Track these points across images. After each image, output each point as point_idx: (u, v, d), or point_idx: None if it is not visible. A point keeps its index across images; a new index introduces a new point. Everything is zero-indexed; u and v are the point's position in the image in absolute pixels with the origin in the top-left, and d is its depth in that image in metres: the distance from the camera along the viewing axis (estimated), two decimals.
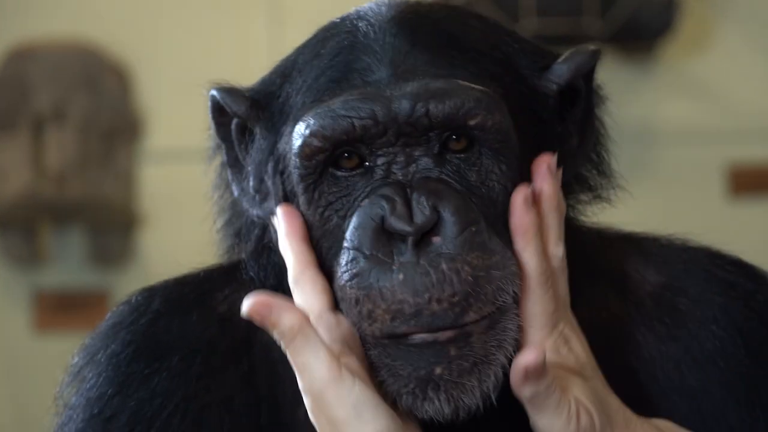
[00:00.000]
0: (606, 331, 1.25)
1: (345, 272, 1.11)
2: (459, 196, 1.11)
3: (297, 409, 1.24)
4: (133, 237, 4.07)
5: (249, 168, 1.25)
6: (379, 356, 1.12)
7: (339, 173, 1.14)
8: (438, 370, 1.09)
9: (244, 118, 1.23)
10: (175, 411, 1.24)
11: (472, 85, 1.12)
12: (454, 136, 1.13)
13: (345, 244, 1.11)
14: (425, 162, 1.12)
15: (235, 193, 1.29)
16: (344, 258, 1.11)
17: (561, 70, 1.19)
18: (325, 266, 1.16)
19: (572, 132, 1.22)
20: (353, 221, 1.12)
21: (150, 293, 1.29)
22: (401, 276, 1.08)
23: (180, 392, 1.23)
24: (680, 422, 1.20)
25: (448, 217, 1.09)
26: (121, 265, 4.07)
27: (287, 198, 1.20)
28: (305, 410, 1.18)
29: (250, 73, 3.96)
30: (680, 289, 1.26)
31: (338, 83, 1.15)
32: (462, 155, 1.13)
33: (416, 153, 1.12)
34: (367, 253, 1.10)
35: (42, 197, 3.89)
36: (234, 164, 1.27)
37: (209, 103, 1.26)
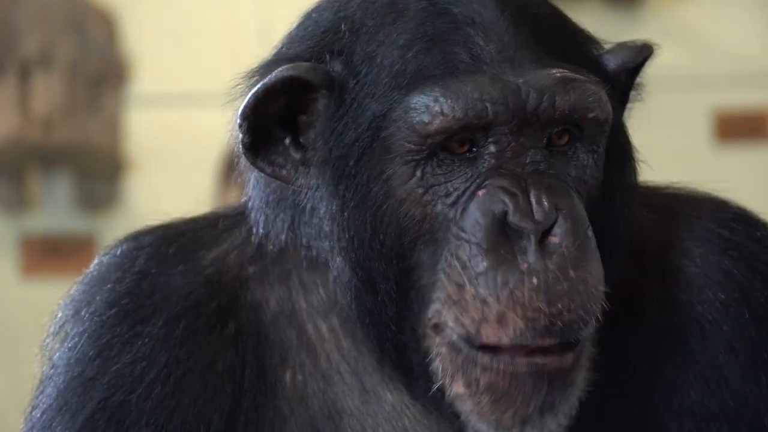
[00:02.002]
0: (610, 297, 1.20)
1: (466, 268, 1.07)
2: (573, 196, 1.09)
3: (282, 372, 1.24)
4: (120, 182, 4.08)
5: (301, 137, 1.18)
6: (464, 366, 1.10)
7: (445, 156, 1.11)
8: (532, 407, 1.08)
9: (324, 88, 1.17)
10: (158, 376, 1.23)
11: (590, 77, 1.11)
12: (559, 129, 1.12)
13: (462, 236, 1.08)
14: (535, 154, 1.09)
15: (262, 164, 1.21)
16: (464, 252, 1.07)
17: (608, 61, 1.16)
18: (412, 245, 1.13)
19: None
20: (473, 213, 1.08)
21: (136, 247, 1.26)
22: (534, 280, 1.05)
23: (163, 357, 1.22)
24: (683, 388, 1.19)
25: (565, 216, 1.06)
26: (108, 210, 4.13)
27: (358, 163, 1.16)
28: (290, 374, 1.21)
29: (237, 17, 3.97)
30: (684, 250, 1.24)
31: (446, 57, 1.12)
32: (564, 148, 1.11)
33: (527, 143, 1.09)
34: (490, 249, 1.06)
35: (29, 142, 3.96)
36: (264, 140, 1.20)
37: (277, 81, 1.15)
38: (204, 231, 1.27)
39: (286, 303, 1.26)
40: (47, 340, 1.26)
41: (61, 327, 1.25)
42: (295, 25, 1.21)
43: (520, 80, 1.07)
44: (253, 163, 1.16)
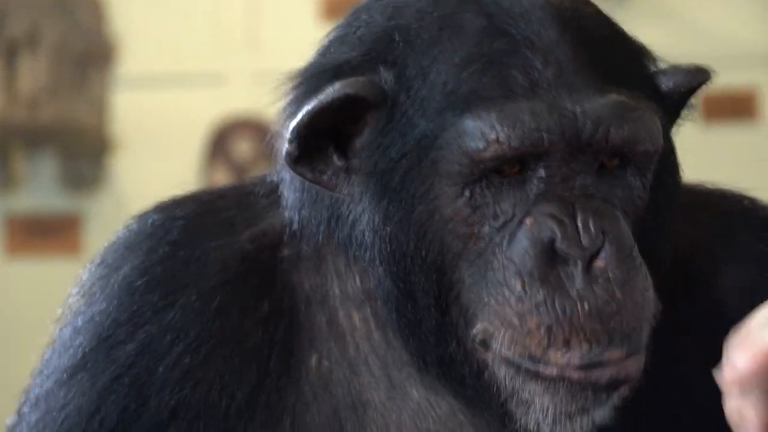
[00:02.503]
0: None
1: (524, 298, 1.09)
2: (620, 218, 1.10)
3: (309, 357, 1.23)
4: (106, 162, 4.09)
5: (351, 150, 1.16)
6: (531, 379, 1.12)
7: (495, 177, 1.11)
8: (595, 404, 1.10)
9: (373, 100, 1.16)
10: (187, 348, 1.22)
11: (645, 105, 1.10)
12: (609, 162, 1.12)
13: (512, 265, 1.09)
14: (584, 178, 1.10)
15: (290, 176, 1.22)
16: (517, 283, 1.08)
17: (663, 81, 1.17)
18: (455, 261, 1.14)
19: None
20: (521, 242, 1.09)
21: (169, 217, 1.26)
22: (586, 305, 1.07)
23: (194, 330, 1.22)
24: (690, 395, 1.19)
25: (611, 241, 1.08)
26: (94, 190, 4.15)
27: (404, 178, 1.15)
28: (317, 359, 1.21)
29: None
30: (709, 256, 1.26)
31: (503, 79, 1.11)
32: (614, 173, 1.12)
33: (578, 168, 1.10)
34: (541, 278, 1.08)
35: (14, 122, 3.96)
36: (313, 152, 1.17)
37: (334, 100, 1.14)
38: (239, 208, 1.28)
39: (319, 288, 1.27)
40: (70, 299, 1.27)
41: (88, 288, 1.26)
42: (343, 23, 1.19)
43: (578, 109, 1.07)
44: (294, 169, 1.16)
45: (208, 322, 1.21)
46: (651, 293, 1.07)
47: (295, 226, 1.21)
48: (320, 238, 1.21)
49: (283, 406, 1.21)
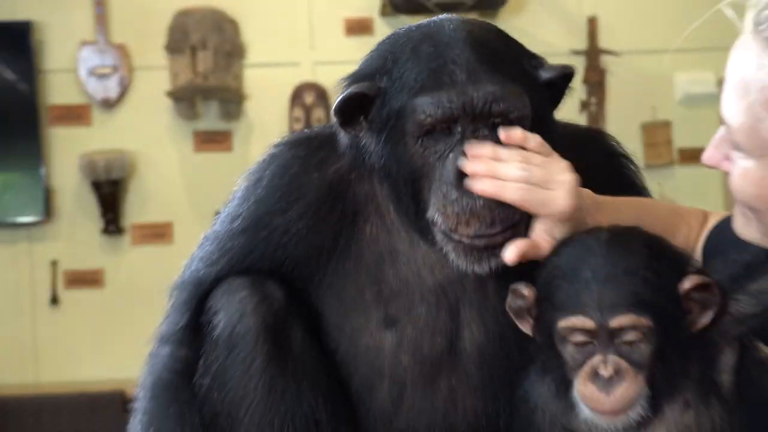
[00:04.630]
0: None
1: (447, 197, 1.48)
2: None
3: (364, 227, 1.67)
4: (242, 106, 5.59)
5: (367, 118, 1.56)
6: (451, 240, 1.52)
7: (434, 133, 1.48)
8: (491, 256, 1.49)
9: (373, 94, 1.54)
10: (299, 225, 1.66)
11: (514, 90, 1.46)
12: (498, 120, 1.48)
13: (443, 178, 1.47)
14: (483, 132, 1.47)
15: (344, 131, 1.60)
16: (445, 189, 1.47)
17: (541, 74, 1.53)
18: (422, 182, 1.52)
19: (552, 102, 1.58)
20: (448, 167, 1.47)
21: (292, 155, 1.68)
22: (480, 203, 1.46)
23: (304, 219, 1.64)
24: None
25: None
26: (236, 119, 5.52)
27: (390, 133, 1.53)
28: (369, 228, 1.65)
29: None
30: (585, 165, 1.58)
31: (437, 79, 1.47)
32: (500, 125, 1.50)
33: (479, 126, 1.47)
34: (457, 186, 1.45)
35: (196, 85, 5.26)
36: (350, 120, 1.58)
37: (347, 96, 1.55)
38: (327, 150, 1.65)
39: (370, 192, 1.65)
40: (240, 184, 1.69)
41: (243, 189, 1.70)
42: (371, 50, 1.56)
43: (475, 94, 1.43)
44: (341, 128, 1.55)
45: (310, 216, 1.63)
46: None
47: (352, 158, 1.60)
48: (362, 164, 1.59)
49: (350, 251, 1.64)
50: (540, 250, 1.47)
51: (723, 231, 1.61)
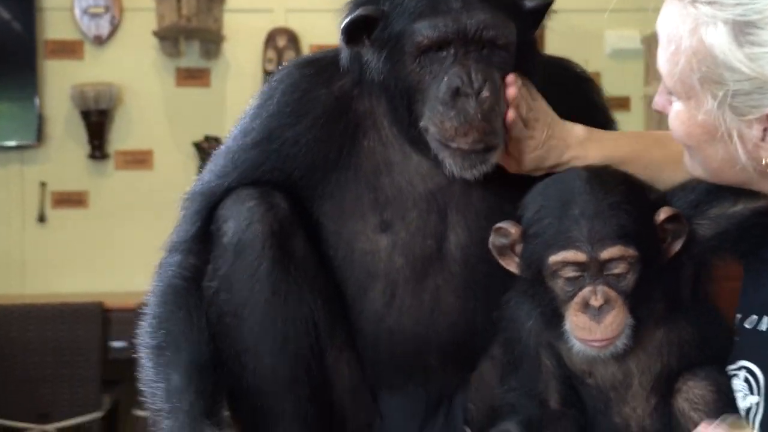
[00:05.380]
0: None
1: (443, 112, 1.55)
2: (495, 74, 1.56)
3: (363, 140, 1.73)
4: (220, 45, 5.89)
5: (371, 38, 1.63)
6: (445, 147, 1.60)
7: (431, 53, 1.56)
8: (479, 162, 1.58)
9: (376, 17, 1.60)
10: (306, 138, 1.71)
11: (503, 19, 1.55)
12: (488, 45, 1.56)
13: (439, 97, 1.54)
14: (475, 55, 1.54)
15: (348, 51, 1.67)
16: (440, 105, 1.55)
17: (524, 5, 1.61)
18: (417, 96, 1.60)
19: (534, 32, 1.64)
20: (443, 86, 1.55)
21: (302, 74, 1.73)
22: (475, 117, 1.55)
23: (313, 131, 1.70)
24: None
25: (489, 85, 1.54)
26: (216, 57, 5.93)
27: (391, 52, 1.60)
28: (367, 141, 1.71)
29: None
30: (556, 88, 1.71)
31: (434, 6, 1.55)
32: (493, 51, 1.58)
33: (471, 49, 1.55)
34: (452, 103, 1.54)
35: (181, 26, 5.59)
36: (356, 39, 1.64)
37: (354, 17, 1.61)
38: (333, 69, 1.70)
39: (369, 108, 1.72)
40: (252, 103, 1.73)
41: (255, 106, 1.75)
42: None
43: (468, 21, 1.51)
44: (347, 46, 1.62)
45: (318, 127, 1.69)
46: (504, 114, 1.54)
47: (355, 75, 1.66)
48: (363, 81, 1.65)
49: (350, 163, 1.70)
50: (506, 165, 1.66)
51: None
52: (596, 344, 1.49)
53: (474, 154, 1.57)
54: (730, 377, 1.52)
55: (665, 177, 1.66)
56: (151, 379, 1.59)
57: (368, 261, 1.71)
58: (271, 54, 5.82)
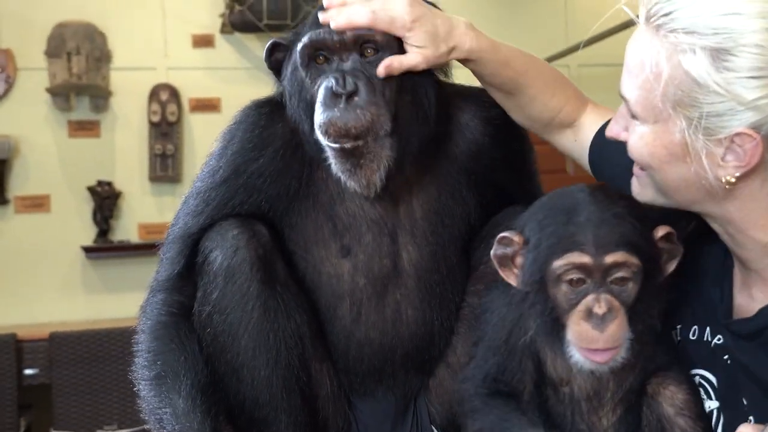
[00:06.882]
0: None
1: (322, 113, 1.59)
2: (372, 79, 1.58)
3: (318, 173, 1.77)
4: (108, 100, 6.16)
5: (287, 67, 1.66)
6: (329, 155, 1.62)
7: (316, 64, 1.63)
8: (357, 166, 1.59)
9: (287, 44, 1.68)
10: (269, 171, 1.75)
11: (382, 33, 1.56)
12: (369, 50, 1.60)
13: (319, 99, 1.59)
14: (353, 63, 1.60)
15: (279, 82, 1.71)
16: (321, 107, 1.60)
17: None
18: (305, 100, 1.64)
19: None
20: (322, 89, 1.60)
21: (260, 113, 1.75)
22: (345, 117, 1.57)
23: (273, 163, 1.74)
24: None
25: (362, 89, 1.56)
26: (104, 109, 6.14)
27: (296, 73, 1.64)
28: (320, 173, 1.73)
29: None
30: (462, 112, 1.79)
31: (313, 22, 1.62)
32: (371, 57, 1.62)
33: (349, 58, 1.61)
34: (328, 105, 1.58)
35: (72, 83, 5.85)
36: (275, 65, 1.70)
37: (269, 47, 1.66)
38: (281, 104, 1.76)
39: (318, 139, 1.71)
40: (215, 145, 1.75)
41: (221, 144, 1.78)
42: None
43: (345, 33, 1.57)
44: (278, 81, 1.71)
45: (278, 160, 1.73)
46: (383, 115, 1.55)
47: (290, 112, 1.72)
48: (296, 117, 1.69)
49: (309, 192, 1.75)
50: (411, 63, 1.62)
51: (605, 140, 1.63)
52: (598, 357, 1.44)
53: (350, 150, 1.63)
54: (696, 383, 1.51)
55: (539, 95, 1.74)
56: (154, 406, 1.63)
57: (334, 283, 1.77)
58: (155, 107, 6.11)
